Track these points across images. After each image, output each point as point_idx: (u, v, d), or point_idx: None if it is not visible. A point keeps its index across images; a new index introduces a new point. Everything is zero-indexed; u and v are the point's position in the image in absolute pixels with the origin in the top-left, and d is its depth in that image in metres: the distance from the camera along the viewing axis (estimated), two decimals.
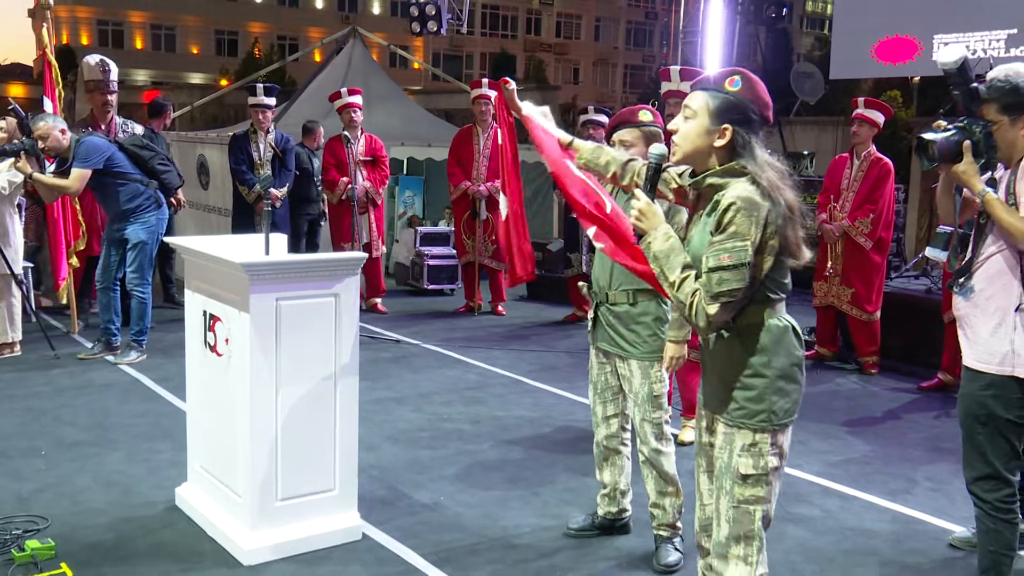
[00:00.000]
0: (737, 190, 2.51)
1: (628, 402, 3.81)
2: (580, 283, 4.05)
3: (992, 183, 3.27)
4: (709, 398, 2.74)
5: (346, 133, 8.46)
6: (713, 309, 2.50)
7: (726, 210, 2.49)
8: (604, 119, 8.36)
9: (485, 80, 8.89)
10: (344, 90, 8.71)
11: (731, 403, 2.63)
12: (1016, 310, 3.19)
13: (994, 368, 3.22)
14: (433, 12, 11.82)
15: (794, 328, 2.66)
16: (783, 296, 2.63)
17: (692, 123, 2.61)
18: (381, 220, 8.92)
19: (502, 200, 4.16)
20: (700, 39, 12.18)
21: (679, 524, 3.80)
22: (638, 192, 2.66)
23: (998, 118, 3.21)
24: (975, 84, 3.22)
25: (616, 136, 3.78)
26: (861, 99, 7.15)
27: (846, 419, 5.89)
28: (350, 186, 8.42)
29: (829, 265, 7.12)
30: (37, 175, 6.36)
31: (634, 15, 53.79)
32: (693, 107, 2.61)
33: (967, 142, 3.21)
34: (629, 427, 3.92)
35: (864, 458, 5.15)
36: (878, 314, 7.04)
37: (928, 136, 3.25)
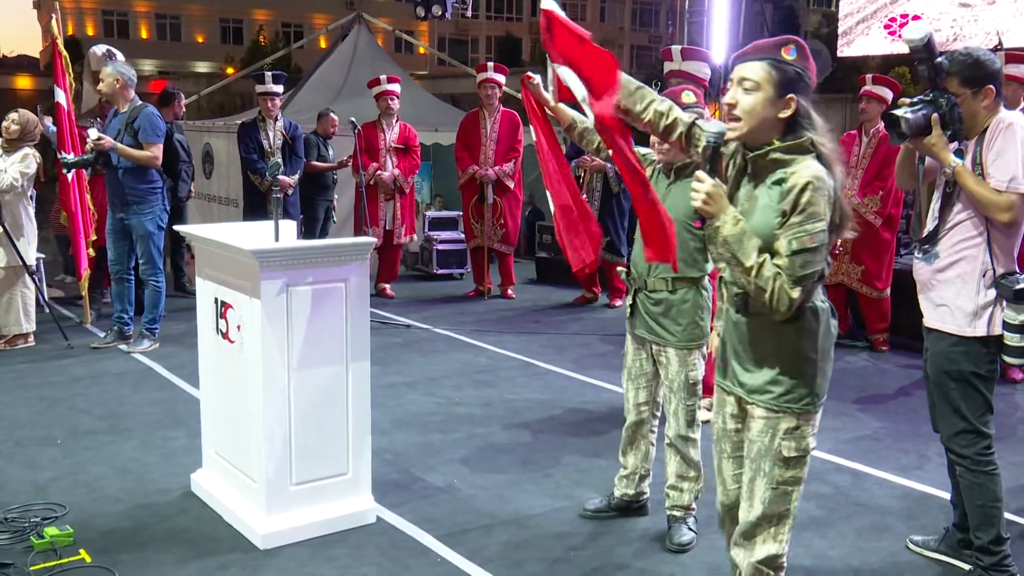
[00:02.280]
0: (810, 168, 2.45)
1: (663, 388, 3.82)
2: (619, 269, 4.04)
3: (959, 154, 3.34)
4: (743, 384, 2.66)
5: (353, 120, 8.46)
6: (796, 293, 2.42)
7: (803, 190, 2.42)
8: None
9: (491, 64, 8.87)
10: (383, 77, 8.75)
11: (777, 388, 2.59)
12: (983, 275, 3.29)
13: (962, 329, 3.32)
14: None
15: (832, 308, 2.66)
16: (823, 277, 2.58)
17: (756, 95, 2.49)
18: (408, 208, 8.92)
19: (549, 198, 4.21)
20: (706, 18, 12.10)
21: (694, 506, 3.83)
22: (701, 174, 2.52)
23: (960, 91, 3.27)
24: (940, 59, 3.27)
25: None
26: (869, 76, 7.11)
27: (857, 396, 5.89)
28: (379, 172, 8.48)
29: (839, 243, 7.09)
30: (121, 146, 6.32)
31: None
32: (754, 78, 2.49)
33: (935, 115, 3.27)
34: (659, 414, 3.94)
35: (875, 435, 5.16)
36: (888, 291, 7.03)
37: (898, 112, 3.31)
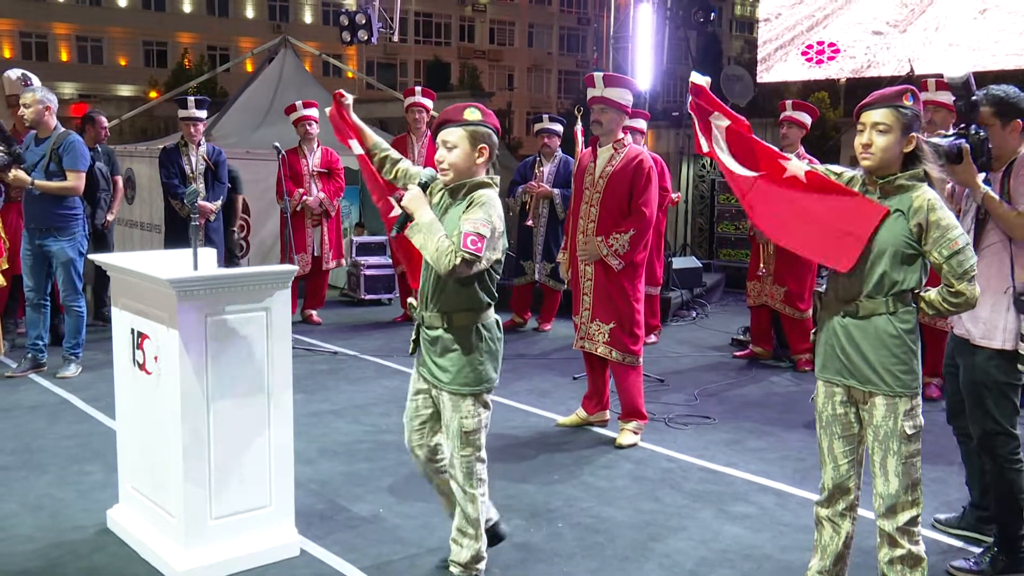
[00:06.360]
0: (928, 192, 3.03)
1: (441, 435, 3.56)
2: (409, 300, 3.65)
3: (986, 182, 3.70)
4: (860, 377, 3.11)
5: (277, 145, 8.37)
6: (972, 286, 2.98)
7: (931, 210, 2.99)
8: (559, 128, 8.44)
9: (419, 88, 8.87)
10: (299, 103, 8.65)
11: (892, 377, 3.07)
12: (1005, 292, 3.67)
13: (994, 343, 3.70)
14: (363, 21, 11.75)
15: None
16: None
17: (888, 136, 3.05)
18: (333, 233, 8.83)
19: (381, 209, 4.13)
20: (631, 44, 12.29)
21: (476, 567, 3.55)
22: (412, 187, 3.36)
23: (992, 121, 3.67)
24: (975, 96, 3.63)
25: (440, 136, 3.40)
26: (789, 102, 7.28)
27: (781, 417, 5.98)
28: (304, 197, 8.40)
29: (761, 265, 7.23)
30: (40, 183, 6.28)
31: (567, 21, 54.13)
32: (887, 122, 3.05)
33: (966, 146, 3.58)
34: (444, 456, 3.60)
35: (799, 454, 5.23)
36: (810, 312, 7.17)
37: (934, 140, 3.59)
